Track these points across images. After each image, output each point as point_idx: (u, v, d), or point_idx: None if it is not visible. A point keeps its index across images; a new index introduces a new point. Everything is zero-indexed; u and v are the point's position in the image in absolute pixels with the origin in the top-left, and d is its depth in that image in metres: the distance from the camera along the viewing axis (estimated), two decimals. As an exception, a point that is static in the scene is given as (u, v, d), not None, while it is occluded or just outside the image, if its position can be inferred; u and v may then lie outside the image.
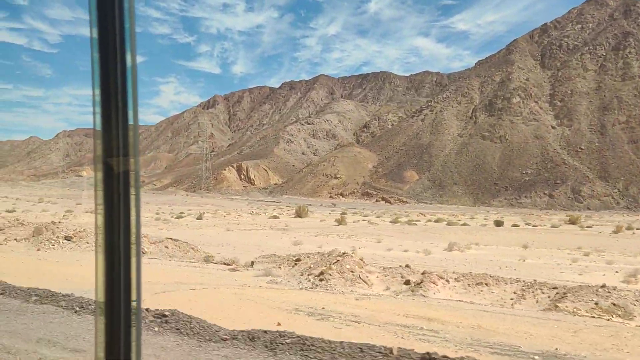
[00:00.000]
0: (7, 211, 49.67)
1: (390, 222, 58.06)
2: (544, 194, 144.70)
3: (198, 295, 11.67)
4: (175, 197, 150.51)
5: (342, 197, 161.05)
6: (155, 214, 60.67)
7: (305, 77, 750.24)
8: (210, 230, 43.30)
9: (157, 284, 12.68)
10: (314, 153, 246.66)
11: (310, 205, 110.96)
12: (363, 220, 61.73)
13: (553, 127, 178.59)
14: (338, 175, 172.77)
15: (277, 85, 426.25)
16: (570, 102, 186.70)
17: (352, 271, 15.77)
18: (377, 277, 16.17)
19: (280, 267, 17.65)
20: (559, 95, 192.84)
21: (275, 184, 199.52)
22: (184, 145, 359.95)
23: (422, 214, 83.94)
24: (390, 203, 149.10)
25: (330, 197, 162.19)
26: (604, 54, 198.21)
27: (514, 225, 57.44)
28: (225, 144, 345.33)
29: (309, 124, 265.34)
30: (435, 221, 62.60)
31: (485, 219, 73.27)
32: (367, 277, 15.90)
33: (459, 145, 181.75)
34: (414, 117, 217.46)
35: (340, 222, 49.03)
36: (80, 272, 14.79)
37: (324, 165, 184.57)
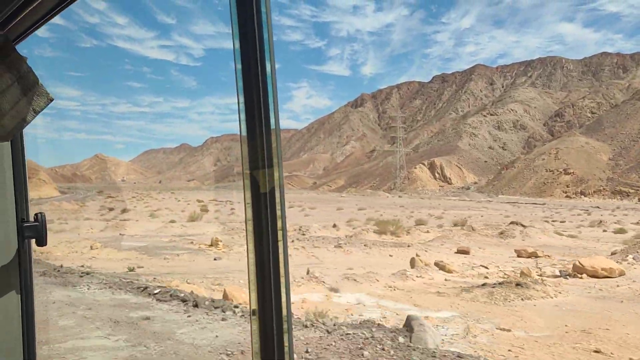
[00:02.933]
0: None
1: None
2: None
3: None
4: (386, 200, 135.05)
5: (584, 196, 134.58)
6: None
7: (437, 72, 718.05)
8: None
9: None
10: (502, 147, 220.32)
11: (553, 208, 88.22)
12: None
13: None
14: (570, 171, 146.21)
15: (427, 80, 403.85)
16: None
17: None
18: None
19: None
20: None
21: (474, 183, 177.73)
22: (337, 146, 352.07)
23: None
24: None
25: (567, 196, 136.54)
26: None
27: None
28: (380, 144, 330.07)
29: (491, 114, 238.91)
30: None
31: None
32: None
33: None
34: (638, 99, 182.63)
35: None
36: None
37: (543, 159, 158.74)
